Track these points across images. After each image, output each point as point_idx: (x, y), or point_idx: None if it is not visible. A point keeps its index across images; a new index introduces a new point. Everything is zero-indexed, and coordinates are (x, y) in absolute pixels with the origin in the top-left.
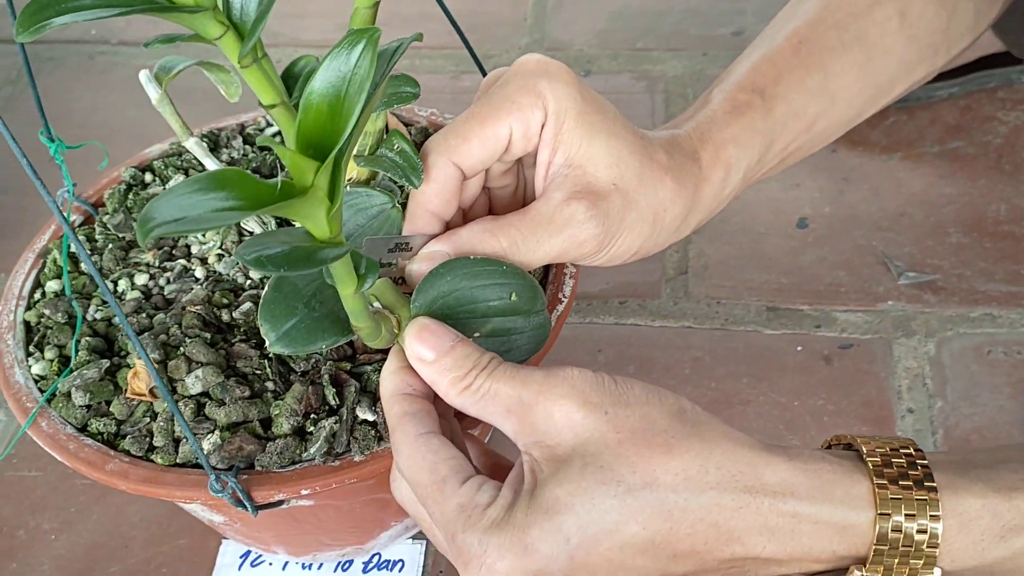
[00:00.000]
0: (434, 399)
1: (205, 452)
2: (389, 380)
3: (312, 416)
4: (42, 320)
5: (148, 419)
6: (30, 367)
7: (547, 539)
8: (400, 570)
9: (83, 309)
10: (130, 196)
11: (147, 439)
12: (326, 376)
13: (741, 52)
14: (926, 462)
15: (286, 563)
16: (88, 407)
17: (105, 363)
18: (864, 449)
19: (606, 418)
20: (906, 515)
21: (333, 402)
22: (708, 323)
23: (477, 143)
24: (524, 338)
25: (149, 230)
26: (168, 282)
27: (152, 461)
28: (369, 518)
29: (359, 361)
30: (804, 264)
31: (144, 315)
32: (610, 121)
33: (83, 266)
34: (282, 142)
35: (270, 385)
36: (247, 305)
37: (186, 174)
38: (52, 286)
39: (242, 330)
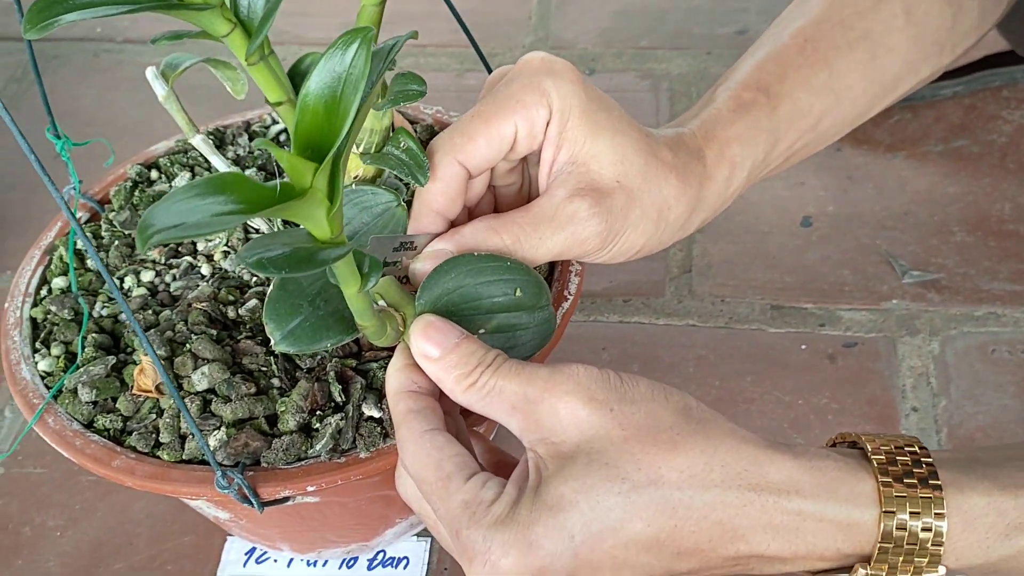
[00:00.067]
0: (439, 396)
1: (211, 448)
2: (394, 377)
3: (318, 413)
4: (48, 317)
5: (154, 415)
6: (36, 363)
7: (551, 536)
8: (405, 567)
9: (89, 306)
10: (136, 193)
11: (153, 435)
12: (332, 373)
13: (745, 51)
14: (931, 460)
15: (291, 560)
16: (94, 403)
17: (111, 360)
18: (869, 447)
19: (611, 415)
20: (911, 513)
21: (339, 399)
22: (712, 321)
23: (482, 142)
24: (529, 334)
25: (148, 236)
26: (174, 279)
27: (158, 457)
28: (374, 515)
29: (365, 358)
30: (808, 262)
31: (150, 312)
32: (615, 119)
33: (89, 263)
34: (288, 139)
35: (276, 382)
36: (253, 302)
37: (192, 171)
38: (58, 283)
39: (248, 327)
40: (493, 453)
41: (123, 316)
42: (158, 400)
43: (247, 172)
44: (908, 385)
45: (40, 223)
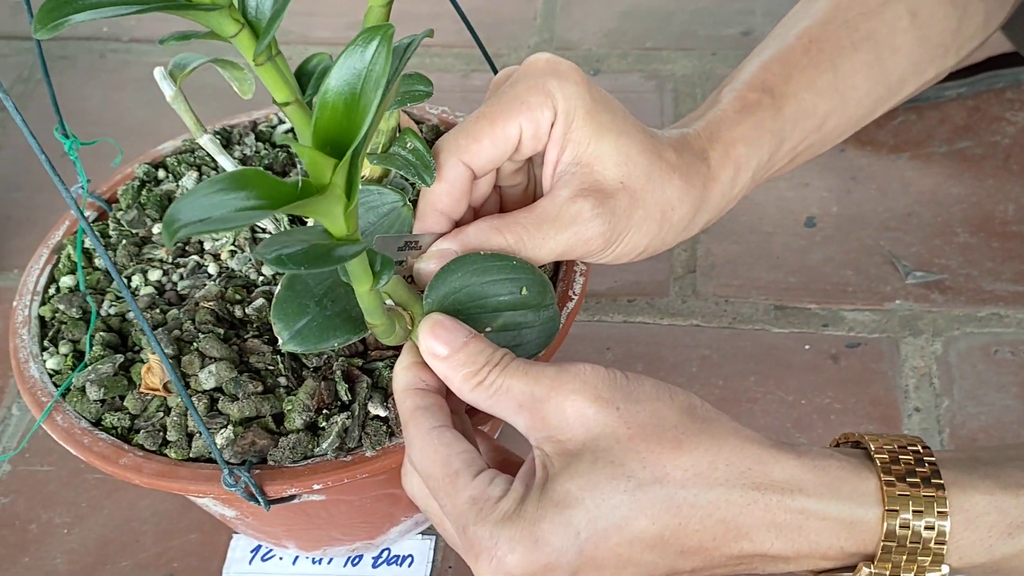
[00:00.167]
0: (446, 394)
1: (218, 447)
2: (402, 375)
3: (324, 412)
4: (56, 315)
5: (162, 414)
6: (45, 362)
7: (557, 532)
8: (409, 565)
9: (97, 304)
10: (143, 192)
11: (160, 434)
12: (338, 372)
13: (750, 52)
14: (933, 459)
15: (296, 558)
16: (102, 402)
17: (119, 358)
18: (872, 446)
19: (617, 413)
20: (914, 512)
21: (345, 398)
22: (716, 321)
23: (487, 143)
24: (534, 332)
25: (175, 231)
26: (181, 278)
27: (165, 455)
28: (380, 513)
29: (371, 357)
30: (812, 263)
31: (158, 311)
32: (619, 120)
33: (97, 262)
34: (294, 139)
35: (283, 381)
36: (260, 301)
37: (199, 171)
38: (66, 281)
39: (255, 326)
40: (498, 452)
41: (131, 315)
42: (165, 398)
43: None
44: (911, 385)
45: (46, 222)
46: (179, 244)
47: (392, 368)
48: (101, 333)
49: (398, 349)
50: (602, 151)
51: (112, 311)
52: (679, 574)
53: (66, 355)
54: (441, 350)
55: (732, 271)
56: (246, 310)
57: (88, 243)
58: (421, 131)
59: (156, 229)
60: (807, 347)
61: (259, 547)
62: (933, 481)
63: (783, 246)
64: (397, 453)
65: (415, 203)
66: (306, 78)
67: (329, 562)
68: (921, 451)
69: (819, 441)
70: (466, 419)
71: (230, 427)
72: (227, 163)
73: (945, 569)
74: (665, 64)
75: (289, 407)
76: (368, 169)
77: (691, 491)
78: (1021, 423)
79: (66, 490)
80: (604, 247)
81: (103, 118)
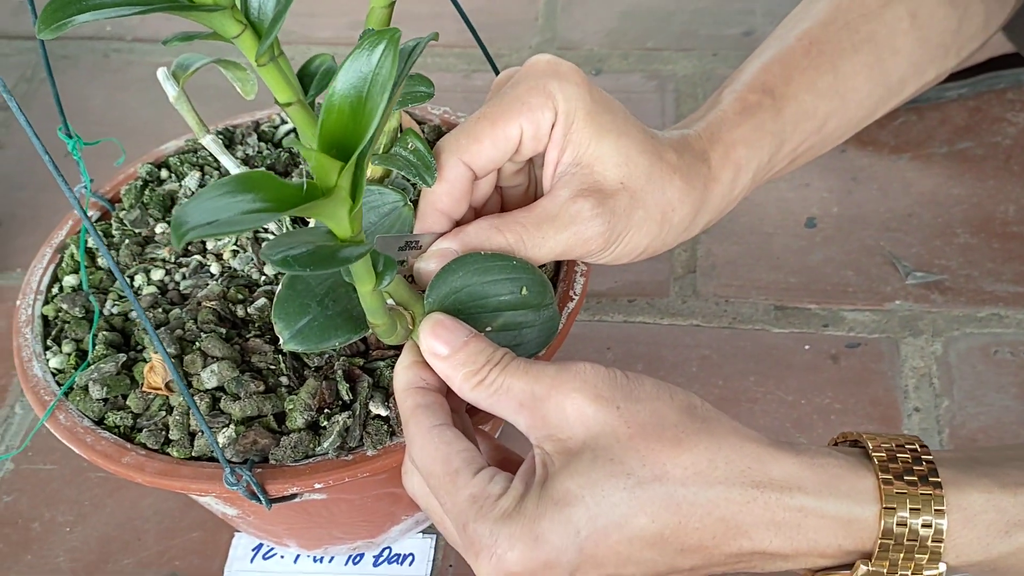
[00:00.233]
0: (447, 393)
1: (220, 446)
2: (403, 374)
3: (325, 411)
4: (60, 314)
5: (164, 413)
6: (48, 361)
7: (557, 530)
8: (410, 564)
9: (100, 303)
10: (146, 192)
11: (163, 432)
12: (339, 371)
13: (751, 52)
14: (931, 458)
15: (297, 556)
16: (105, 401)
17: (122, 357)
18: (870, 445)
19: (617, 412)
20: (911, 510)
21: (346, 397)
22: (716, 321)
23: (488, 143)
24: (534, 331)
25: (183, 233)
26: (184, 277)
27: (168, 454)
28: (380, 512)
29: (372, 357)
30: (812, 263)
31: (160, 310)
32: (619, 121)
33: (100, 261)
34: (297, 139)
35: (284, 380)
36: (262, 301)
37: (201, 171)
38: (69, 281)
39: (257, 325)
40: (499, 451)
41: (133, 314)
42: (168, 398)
43: None
44: (911, 385)
45: (49, 222)
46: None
47: (393, 367)
48: (104, 332)
49: (399, 348)
50: (602, 152)
51: (115, 310)
52: (679, 572)
53: (69, 354)
54: (442, 349)
55: (732, 271)
56: (248, 310)
57: (91, 242)
58: (423, 131)
59: (159, 229)
60: (807, 347)
61: (261, 545)
62: (930, 479)
63: (783, 246)
64: (398, 452)
65: (416, 203)
66: (308, 79)
67: (330, 560)
68: (919, 450)
69: (819, 441)
70: (466, 418)
71: (232, 426)
72: (229, 163)
73: (942, 567)
74: (666, 64)
75: (291, 406)
76: (369, 169)
77: (691, 489)
78: (1020, 423)
79: (69, 488)
80: (604, 247)
81: (106, 118)
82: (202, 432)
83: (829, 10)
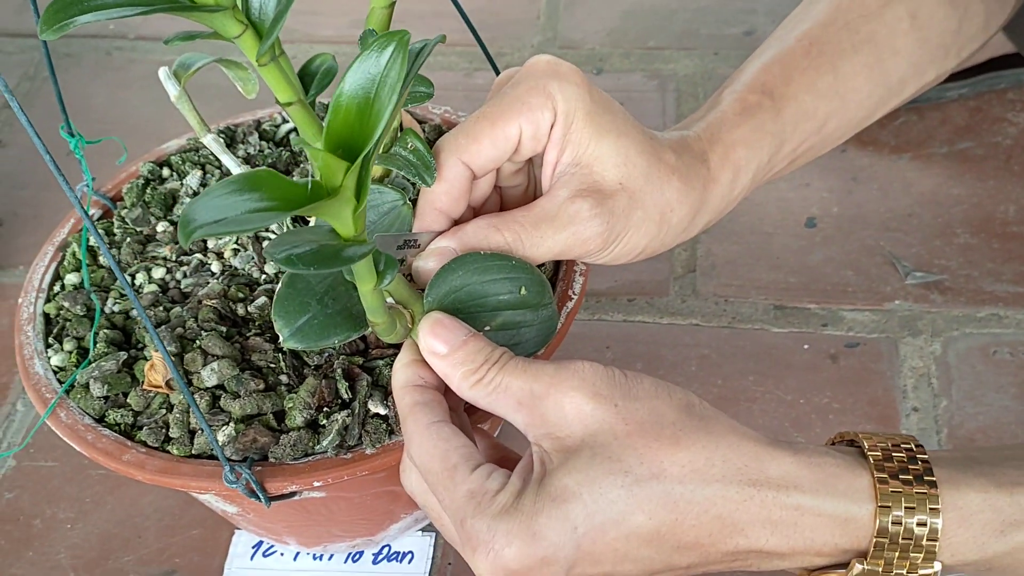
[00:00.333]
0: (444, 392)
1: (220, 444)
2: (401, 372)
3: (325, 409)
4: (61, 312)
5: (164, 411)
6: (49, 358)
7: (555, 526)
8: (409, 562)
9: (101, 302)
10: (148, 191)
11: (163, 430)
12: (339, 370)
13: (752, 52)
14: (926, 457)
15: (297, 554)
16: (106, 398)
17: (123, 355)
18: (866, 444)
19: (615, 410)
20: (906, 509)
21: (346, 396)
22: (716, 321)
23: (487, 143)
24: (533, 331)
25: (191, 231)
26: (185, 276)
27: (168, 452)
28: (380, 510)
29: (371, 356)
30: (812, 263)
31: (161, 308)
32: (619, 121)
33: (101, 259)
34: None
35: (284, 378)
36: (262, 299)
37: (203, 169)
38: (71, 279)
39: (257, 324)
40: (497, 449)
41: (134, 312)
42: (168, 396)
43: None
44: (909, 385)
45: (52, 220)
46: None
47: (392, 366)
48: (105, 330)
49: (399, 347)
50: (601, 152)
51: (116, 308)
52: (675, 570)
53: (70, 352)
54: (441, 348)
55: (732, 271)
56: (248, 308)
57: (92, 241)
58: (424, 130)
59: (160, 227)
60: (806, 347)
61: (260, 543)
62: (926, 479)
63: (783, 246)
64: (397, 451)
65: (415, 202)
66: (309, 78)
67: (330, 558)
68: (914, 449)
69: (817, 440)
70: (464, 417)
71: (232, 424)
72: (230, 162)
73: (937, 566)
74: (667, 64)
75: (290, 405)
76: None
77: (688, 487)
78: (1019, 424)
79: (70, 486)
80: (602, 247)
81: (108, 116)
82: (202, 430)
83: (829, 11)
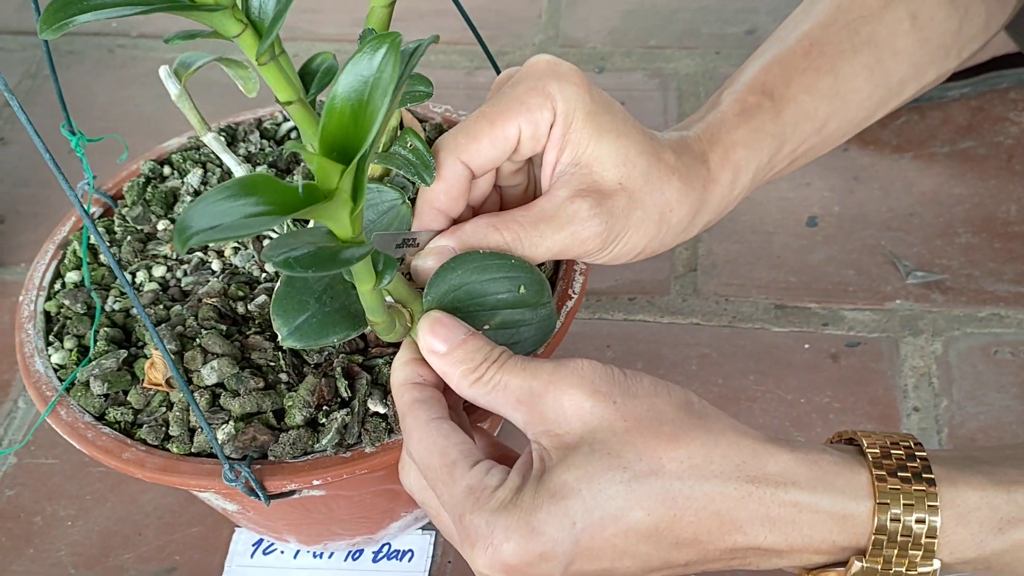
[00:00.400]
0: (444, 391)
1: (220, 442)
2: (400, 370)
3: (324, 408)
4: (62, 310)
5: (164, 409)
6: (50, 356)
7: (553, 522)
8: (409, 560)
9: (102, 300)
10: (149, 189)
11: (163, 428)
12: (338, 369)
13: (754, 51)
14: (924, 455)
15: (297, 552)
16: (106, 396)
17: (123, 353)
18: (864, 442)
19: (614, 407)
20: (904, 506)
21: (345, 394)
22: (716, 320)
23: (486, 143)
24: (531, 330)
25: (187, 238)
26: (185, 274)
27: (168, 450)
28: (379, 508)
29: (371, 354)
30: (813, 262)
31: (161, 306)
32: (619, 121)
33: (102, 257)
34: (298, 137)
35: (284, 377)
36: (262, 298)
37: (204, 168)
38: (72, 277)
39: (257, 322)
40: (496, 447)
41: (135, 310)
42: (168, 394)
43: (258, 169)
44: (910, 385)
45: (54, 218)
46: None
47: (392, 365)
48: (105, 328)
49: (398, 346)
50: (601, 152)
51: (116, 307)
52: (673, 566)
53: (71, 350)
54: (440, 347)
55: (733, 270)
56: (248, 307)
57: (93, 239)
58: (424, 129)
59: (161, 226)
60: (807, 346)
61: (260, 541)
62: (924, 476)
63: (784, 245)
64: (396, 449)
65: (414, 201)
66: (309, 77)
67: (330, 556)
68: (912, 447)
69: (818, 440)
70: (463, 415)
71: (231, 423)
72: (231, 161)
73: (936, 564)
74: (669, 63)
75: (290, 403)
76: (368, 168)
77: (686, 483)
78: (1020, 424)
79: (70, 483)
80: (601, 247)
81: (110, 113)
82: (202, 428)
83: (829, 11)
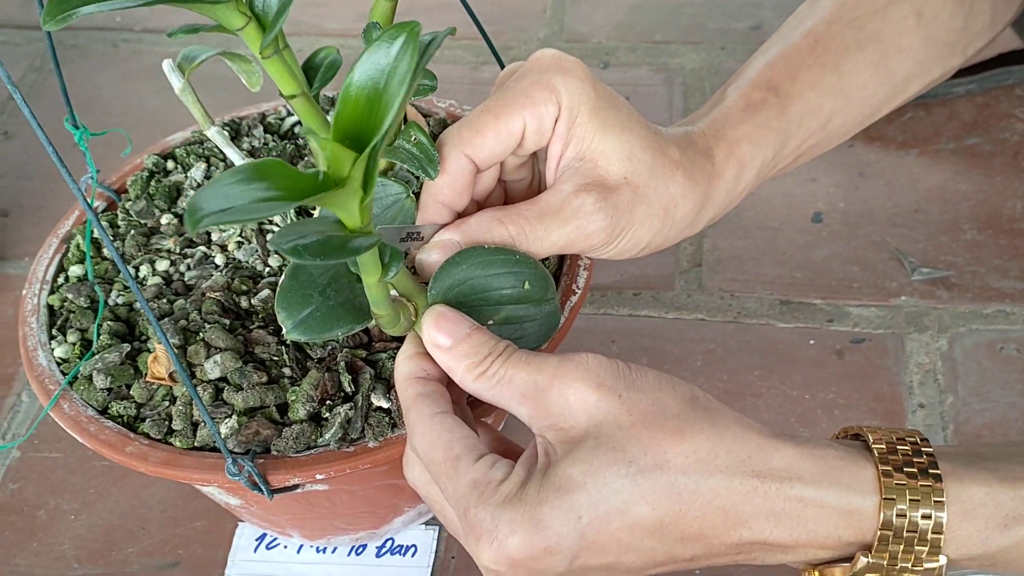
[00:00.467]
0: (448, 386)
1: (223, 436)
2: (404, 365)
3: (328, 402)
4: (65, 304)
5: (167, 403)
6: (53, 350)
7: (558, 516)
8: (413, 555)
9: (105, 294)
10: (152, 183)
11: (166, 422)
12: (342, 363)
13: (759, 46)
14: (930, 450)
15: (300, 546)
16: (109, 390)
17: (126, 347)
18: (870, 437)
19: (620, 401)
20: (910, 502)
21: (348, 389)
22: (721, 316)
23: (491, 137)
24: (535, 325)
25: (198, 220)
26: (188, 268)
27: (171, 444)
28: (383, 503)
29: (374, 349)
30: (818, 258)
31: (165, 301)
32: (623, 116)
33: (106, 251)
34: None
35: (287, 371)
36: (265, 292)
37: (207, 162)
38: (75, 271)
39: (260, 316)
40: (500, 442)
41: (138, 304)
42: (171, 388)
43: None
44: (915, 381)
45: (58, 211)
46: (187, 235)
47: (396, 359)
48: (108, 322)
49: (402, 340)
50: (606, 147)
51: (120, 300)
52: (678, 561)
53: (74, 344)
54: (444, 341)
55: (738, 266)
56: (252, 301)
57: (97, 233)
58: (428, 124)
59: (164, 220)
60: (812, 342)
61: (264, 535)
62: (930, 472)
63: (789, 241)
64: (399, 444)
65: (419, 195)
66: (313, 71)
67: (333, 551)
68: (919, 442)
69: (822, 436)
70: (467, 410)
71: (234, 417)
72: (234, 155)
73: (942, 560)
74: (674, 57)
75: (293, 397)
76: None
77: (691, 478)
78: None
79: (74, 477)
80: (606, 242)
81: (114, 107)
82: (205, 423)
83: (834, 8)
